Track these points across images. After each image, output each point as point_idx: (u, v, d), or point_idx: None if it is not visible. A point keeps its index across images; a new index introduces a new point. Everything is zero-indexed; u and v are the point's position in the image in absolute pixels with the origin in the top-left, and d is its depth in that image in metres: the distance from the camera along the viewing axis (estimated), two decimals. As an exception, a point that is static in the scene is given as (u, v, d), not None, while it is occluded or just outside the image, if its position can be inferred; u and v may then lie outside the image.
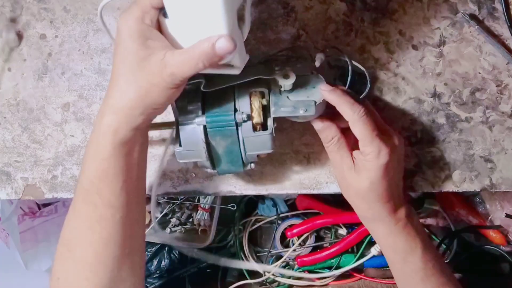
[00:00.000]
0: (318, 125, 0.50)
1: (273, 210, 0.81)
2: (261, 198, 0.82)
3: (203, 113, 0.47)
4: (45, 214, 0.99)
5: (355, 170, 0.49)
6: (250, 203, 0.83)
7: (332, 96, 0.47)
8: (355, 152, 0.49)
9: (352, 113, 0.47)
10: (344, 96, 0.47)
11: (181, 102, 0.48)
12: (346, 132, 0.50)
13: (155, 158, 0.58)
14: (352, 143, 0.51)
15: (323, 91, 0.48)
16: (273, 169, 0.58)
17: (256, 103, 0.48)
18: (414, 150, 0.57)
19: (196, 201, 0.81)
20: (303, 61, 0.51)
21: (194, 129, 0.47)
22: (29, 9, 0.60)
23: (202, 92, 0.48)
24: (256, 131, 0.48)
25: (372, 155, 0.47)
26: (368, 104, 0.52)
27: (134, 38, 0.41)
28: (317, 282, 0.77)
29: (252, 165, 0.52)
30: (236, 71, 0.44)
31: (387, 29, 0.58)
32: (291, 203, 0.83)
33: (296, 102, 0.48)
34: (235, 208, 0.79)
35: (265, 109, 0.48)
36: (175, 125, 0.49)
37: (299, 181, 0.58)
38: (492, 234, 0.78)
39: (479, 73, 0.57)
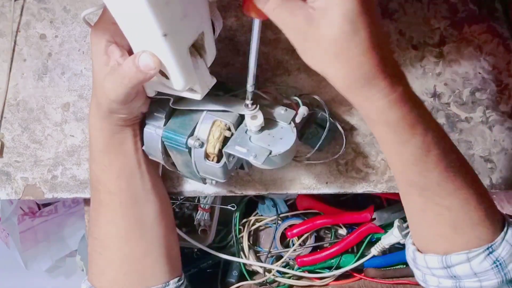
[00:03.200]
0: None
1: (273, 210, 0.81)
2: (261, 198, 0.82)
3: (164, 124, 0.48)
4: (45, 214, 0.99)
5: (318, 18, 0.34)
6: (250, 203, 0.83)
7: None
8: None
9: None
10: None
11: (152, 106, 0.49)
12: None
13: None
14: None
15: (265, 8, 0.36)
16: (273, 169, 0.58)
17: (216, 133, 0.46)
18: (414, 150, 0.57)
19: (196, 201, 0.81)
20: (289, 108, 0.48)
21: (155, 137, 0.49)
22: (29, 9, 0.60)
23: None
24: (208, 160, 0.47)
25: None
26: None
27: (96, 56, 0.43)
28: (317, 282, 0.77)
29: (213, 181, 0.52)
30: (198, 97, 0.44)
31: (387, 29, 0.58)
32: (291, 203, 0.83)
33: (254, 146, 0.46)
34: (235, 208, 0.79)
35: (227, 141, 0.47)
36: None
37: (299, 181, 0.58)
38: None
39: (479, 73, 0.57)
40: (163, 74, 0.42)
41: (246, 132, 0.47)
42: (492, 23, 0.58)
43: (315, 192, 0.59)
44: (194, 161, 0.48)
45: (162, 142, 0.49)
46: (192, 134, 0.47)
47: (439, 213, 0.43)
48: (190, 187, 0.59)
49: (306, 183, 0.58)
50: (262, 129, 0.47)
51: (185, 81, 0.41)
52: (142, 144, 0.51)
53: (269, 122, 0.47)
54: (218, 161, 0.47)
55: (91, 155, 0.50)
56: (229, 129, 0.47)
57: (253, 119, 0.46)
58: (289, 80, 0.57)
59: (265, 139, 0.46)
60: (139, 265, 0.52)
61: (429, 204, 0.43)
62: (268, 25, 0.58)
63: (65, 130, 0.59)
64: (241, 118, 0.48)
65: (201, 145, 0.46)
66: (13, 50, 0.60)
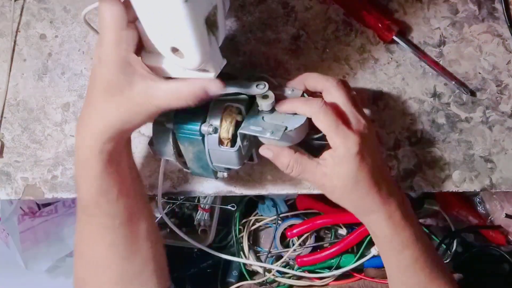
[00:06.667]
0: (268, 154, 0.48)
1: (273, 210, 0.81)
2: (261, 198, 0.82)
3: (174, 116, 0.48)
4: (45, 214, 0.99)
5: (331, 172, 0.46)
6: (250, 203, 0.83)
7: (286, 105, 0.46)
8: (323, 155, 0.46)
9: (309, 108, 0.44)
10: (295, 99, 0.46)
11: None
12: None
13: (155, 159, 0.58)
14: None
15: (277, 107, 0.46)
16: (273, 169, 0.58)
17: (229, 117, 0.47)
18: (414, 150, 0.57)
19: (196, 201, 0.81)
20: (297, 90, 0.49)
21: (164, 131, 0.48)
22: (29, 9, 0.60)
23: None
24: (222, 146, 0.47)
25: (342, 146, 0.44)
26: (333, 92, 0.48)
27: (115, 67, 0.41)
28: (317, 282, 0.77)
29: (225, 174, 0.51)
30: (211, 76, 0.44)
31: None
32: (291, 203, 0.83)
33: (268, 124, 0.46)
34: (235, 208, 0.79)
35: (239, 126, 0.47)
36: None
37: (299, 181, 0.58)
38: (492, 234, 0.78)
39: (479, 73, 0.57)
40: (176, 54, 0.41)
41: (258, 113, 0.47)
42: (492, 23, 0.58)
43: (315, 192, 0.59)
44: (208, 150, 0.48)
45: (173, 136, 0.48)
46: (204, 121, 0.47)
47: None
48: (190, 187, 0.59)
49: (306, 183, 0.58)
50: (273, 109, 0.47)
51: (201, 56, 0.40)
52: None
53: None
54: (231, 147, 0.47)
55: (85, 183, 0.46)
56: (240, 113, 0.47)
57: (265, 98, 0.46)
58: (289, 80, 0.57)
59: (278, 117, 0.46)
60: (135, 282, 0.51)
61: None
62: (268, 25, 0.58)
63: (65, 130, 0.59)
64: (250, 103, 0.48)
65: (215, 130, 0.46)
66: (13, 50, 0.60)
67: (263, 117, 0.47)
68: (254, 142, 0.49)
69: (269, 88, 0.47)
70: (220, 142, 0.47)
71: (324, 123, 0.44)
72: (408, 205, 0.50)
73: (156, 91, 0.42)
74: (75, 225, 0.50)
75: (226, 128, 0.46)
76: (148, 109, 0.43)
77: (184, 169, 0.53)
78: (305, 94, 0.48)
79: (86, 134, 0.44)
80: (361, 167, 0.45)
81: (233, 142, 0.47)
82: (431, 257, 0.50)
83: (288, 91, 0.48)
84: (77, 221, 0.50)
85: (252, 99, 0.48)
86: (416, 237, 0.49)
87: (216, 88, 0.43)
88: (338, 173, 0.45)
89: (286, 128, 0.45)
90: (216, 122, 0.46)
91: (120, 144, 0.46)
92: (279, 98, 0.48)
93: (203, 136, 0.47)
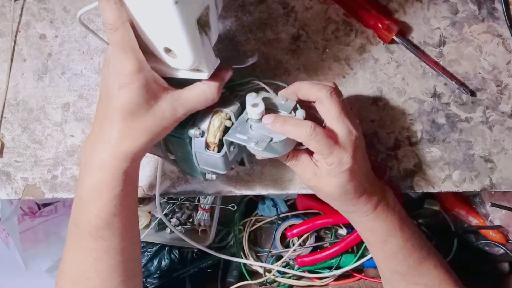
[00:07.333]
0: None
1: (273, 210, 0.81)
2: (261, 198, 0.82)
3: None
4: (45, 214, 0.99)
5: (321, 176, 0.47)
6: (250, 203, 0.83)
7: (276, 126, 0.45)
8: (316, 156, 0.47)
9: (300, 135, 0.44)
10: (287, 122, 0.45)
11: None
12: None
13: (155, 158, 0.58)
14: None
15: (267, 125, 0.46)
16: (273, 169, 0.58)
17: (217, 122, 0.47)
18: (414, 150, 0.57)
19: (196, 201, 0.81)
20: (290, 100, 0.49)
21: None
22: (29, 9, 0.60)
23: None
24: (209, 150, 0.47)
25: (335, 164, 0.45)
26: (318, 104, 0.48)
27: (141, 90, 0.42)
28: (317, 282, 0.77)
29: (214, 176, 0.51)
30: (204, 76, 0.44)
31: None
32: (291, 203, 0.83)
33: (255, 134, 0.46)
34: (235, 208, 0.79)
35: (227, 131, 0.47)
36: None
37: (299, 181, 0.58)
38: (492, 234, 0.78)
39: (479, 73, 0.57)
40: (169, 54, 0.41)
41: (247, 121, 0.47)
42: (492, 23, 0.58)
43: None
44: (195, 152, 0.48)
45: None
46: (193, 124, 0.47)
47: None
48: (190, 187, 0.59)
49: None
50: (261, 118, 0.47)
51: (193, 56, 0.41)
52: None
53: (270, 112, 0.47)
54: (218, 151, 0.47)
55: (100, 203, 0.45)
56: (229, 118, 0.47)
57: (254, 106, 0.46)
58: (289, 80, 0.57)
59: (266, 128, 0.46)
60: None
61: (411, 285, 0.52)
62: (268, 25, 0.58)
63: (65, 130, 0.59)
64: (242, 109, 0.48)
65: (202, 134, 0.46)
66: (13, 50, 0.60)
67: (251, 126, 0.47)
68: (245, 148, 0.49)
69: (262, 97, 0.47)
70: (207, 146, 0.47)
71: (317, 148, 0.45)
72: (390, 196, 0.51)
73: (182, 100, 0.44)
74: (66, 251, 0.48)
75: (213, 133, 0.46)
76: (175, 119, 0.44)
77: (174, 166, 0.53)
78: (298, 105, 0.48)
79: (109, 155, 0.43)
80: (350, 179, 0.46)
81: (220, 147, 0.47)
82: (418, 242, 0.51)
83: (281, 101, 0.48)
84: (74, 247, 0.48)
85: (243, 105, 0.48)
86: (400, 225, 0.50)
87: (229, 74, 0.47)
88: (328, 182, 0.47)
89: (271, 140, 0.45)
90: (204, 126, 0.46)
91: (139, 162, 0.47)
92: (271, 108, 0.47)
93: (190, 138, 0.47)
